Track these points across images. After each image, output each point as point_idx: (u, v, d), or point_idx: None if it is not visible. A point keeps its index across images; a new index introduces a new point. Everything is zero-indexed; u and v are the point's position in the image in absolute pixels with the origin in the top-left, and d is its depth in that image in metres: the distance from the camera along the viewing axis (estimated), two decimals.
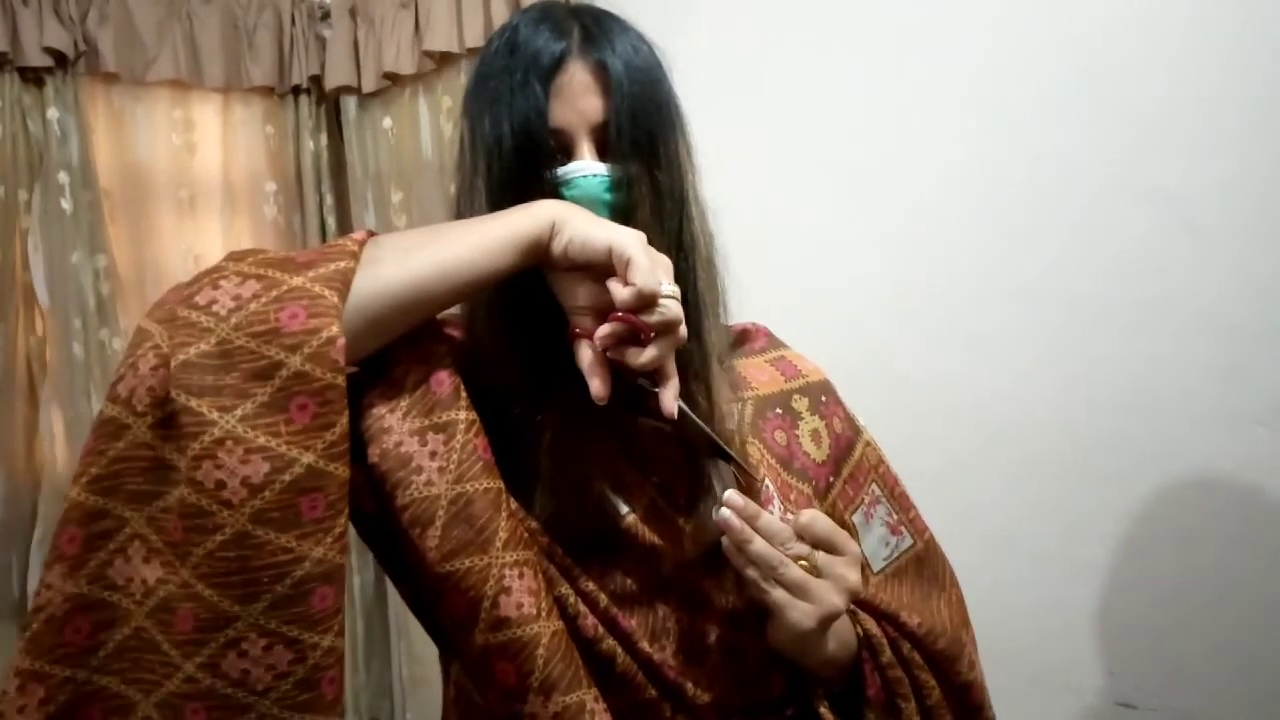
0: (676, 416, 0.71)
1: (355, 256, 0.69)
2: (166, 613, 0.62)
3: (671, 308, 0.68)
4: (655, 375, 0.70)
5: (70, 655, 0.63)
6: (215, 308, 0.64)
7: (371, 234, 0.73)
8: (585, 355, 0.70)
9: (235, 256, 0.69)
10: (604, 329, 0.68)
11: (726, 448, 0.77)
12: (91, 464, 0.64)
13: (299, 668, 0.62)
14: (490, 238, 0.70)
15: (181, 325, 0.64)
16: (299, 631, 0.61)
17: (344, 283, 0.66)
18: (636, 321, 0.67)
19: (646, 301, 0.66)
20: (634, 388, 0.72)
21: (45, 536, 2.14)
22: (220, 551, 0.60)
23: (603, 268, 0.69)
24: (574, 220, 0.70)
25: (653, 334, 0.67)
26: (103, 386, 2.20)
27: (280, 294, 0.65)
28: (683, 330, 0.69)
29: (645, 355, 0.67)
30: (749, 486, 0.77)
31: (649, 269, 0.67)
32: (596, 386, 0.69)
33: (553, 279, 0.73)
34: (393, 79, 2.42)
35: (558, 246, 0.70)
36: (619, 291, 0.67)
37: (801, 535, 0.75)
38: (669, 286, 0.68)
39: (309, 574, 0.61)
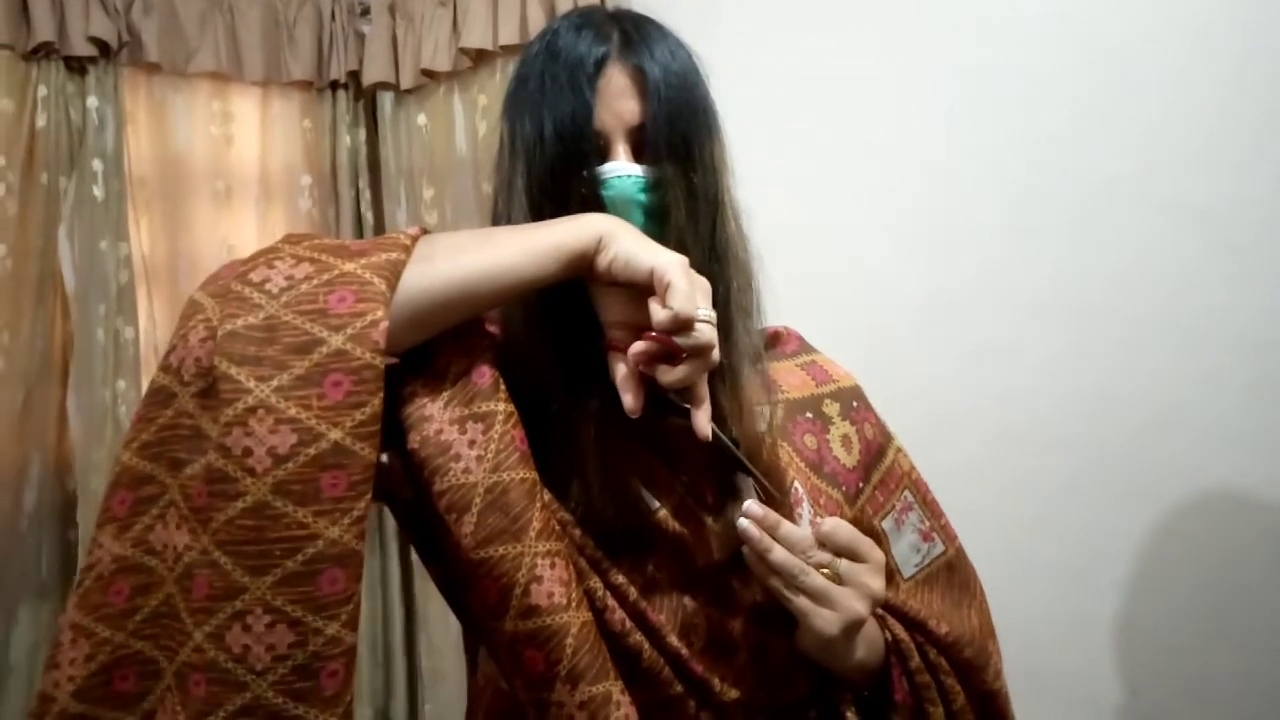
0: (710, 439, 0.72)
1: (408, 250, 0.70)
2: (188, 579, 0.63)
3: (705, 332, 0.69)
4: (688, 393, 0.72)
5: (110, 616, 0.65)
6: (268, 286, 0.66)
7: (425, 231, 0.75)
8: (620, 370, 0.72)
9: (292, 239, 0.71)
10: (637, 346, 0.70)
11: (754, 470, 0.78)
12: (142, 430, 0.66)
13: (298, 652, 0.61)
14: (538, 245, 0.71)
15: (233, 299, 0.66)
16: (303, 613, 0.61)
17: (394, 273, 0.68)
18: (669, 342, 0.68)
19: (682, 325, 0.68)
20: (664, 395, 0.73)
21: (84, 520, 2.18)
22: (239, 519, 0.61)
23: (643, 286, 0.70)
24: (621, 238, 0.71)
25: (684, 355, 0.69)
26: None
27: (332, 278, 0.66)
28: (715, 354, 0.70)
29: (675, 374, 0.69)
30: (774, 504, 0.78)
31: (687, 294, 0.68)
32: (629, 401, 0.71)
33: (594, 291, 0.75)
34: (430, 76, 2.44)
35: (602, 262, 0.71)
36: (657, 313, 0.68)
37: (824, 543, 0.76)
38: (705, 311, 0.70)
39: (321, 553, 0.62)
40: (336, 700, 0.63)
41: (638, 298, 0.71)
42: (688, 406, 0.72)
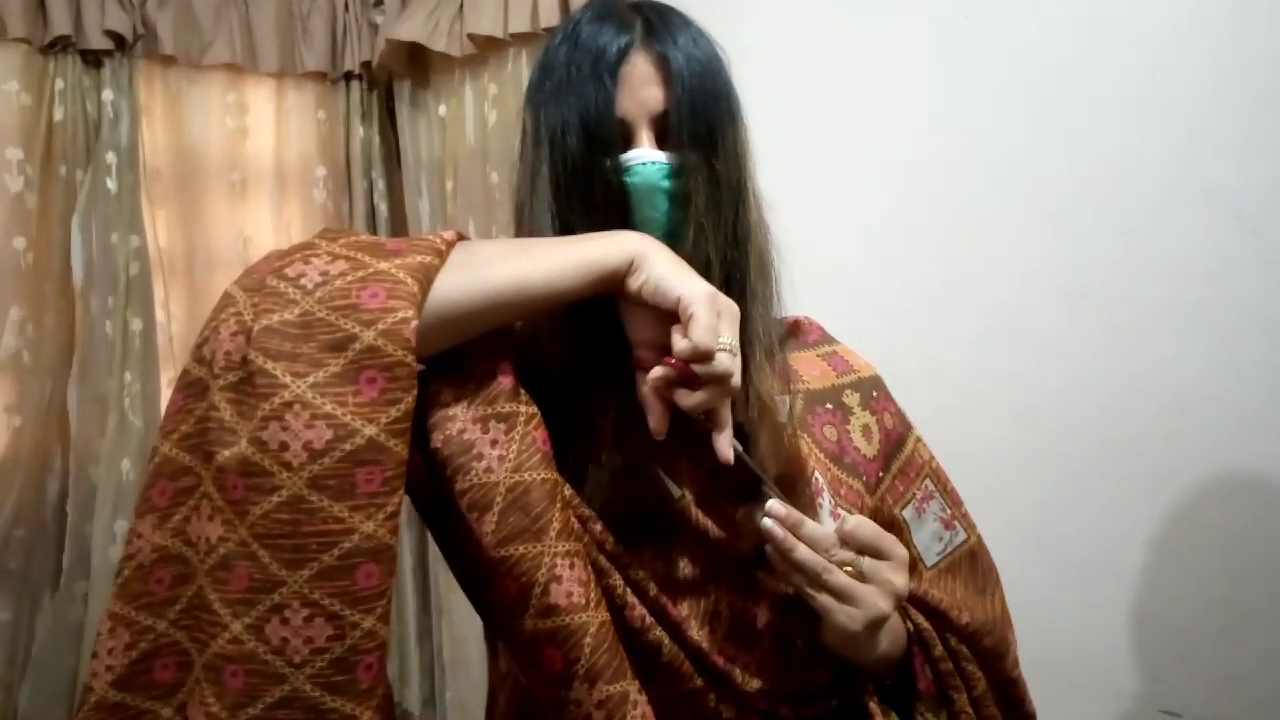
0: (731, 462, 0.73)
1: (442, 255, 0.71)
2: (224, 570, 0.64)
3: (724, 362, 0.69)
4: (709, 415, 0.72)
5: (152, 605, 0.66)
6: (303, 281, 0.67)
7: (462, 236, 0.75)
8: (646, 392, 0.72)
9: (328, 236, 0.72)
10: (657, 372, 0.70)
11: (774, 487, 0.78)
12: (182, 420, 0.67)
13: (336, 645, 0.62)
14: (570, 261, 0.72)
15: (269, 293, 0.67)
16: (340, 606, 0.62)
17: (427, 276, 0.68)
18: (687, 370, 0.69)
19: (701, 357, 0.68)
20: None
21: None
22: (275, 513, 0.62)
23: (672, 310, 0.71)
24: (654, 261, 0.71)
25: (703, 383, 0.69)
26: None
27: (366, 275, 0.67)
28: (735, 381, 0.71)
29: (693, 399, 0.70)
30: None
31: (708, 326, 0.68)
32: (653, 423, 0.72)
33: (623, 308, 0.75)
34: (440, 65, 2.43)
35: (633, 283, 0.71)
36: (677, 342, 0.69)
37: (847, 541, 0.76)
38: (727, 339, 0.70)
39: (357, 547, 0.62)
40: (370, 694, 0.64)
41: (666, 319, 0.71)
42: (709, 429, 0.73)
